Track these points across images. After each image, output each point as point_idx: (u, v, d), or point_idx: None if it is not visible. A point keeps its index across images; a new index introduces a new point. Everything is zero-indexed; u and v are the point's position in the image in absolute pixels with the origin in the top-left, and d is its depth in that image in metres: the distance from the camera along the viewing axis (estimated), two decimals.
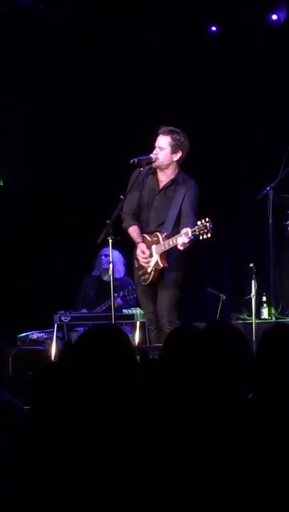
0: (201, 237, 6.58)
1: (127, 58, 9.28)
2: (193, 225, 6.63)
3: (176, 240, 6.68)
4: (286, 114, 8.81)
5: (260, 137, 9.03)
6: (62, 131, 9.42)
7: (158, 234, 6.90)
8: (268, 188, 7.90)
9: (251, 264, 7.43)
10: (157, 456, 2.26)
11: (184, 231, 6.64)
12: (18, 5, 8.99)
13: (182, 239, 6.60)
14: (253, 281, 7.33)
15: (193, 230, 6.57)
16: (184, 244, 6.61)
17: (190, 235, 6.57)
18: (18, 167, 9.44)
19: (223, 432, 2.26)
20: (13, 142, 9.39)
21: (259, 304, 7.94)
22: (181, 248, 6.65)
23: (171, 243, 6.74)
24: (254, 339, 6.86)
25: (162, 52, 9.24)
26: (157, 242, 6.90)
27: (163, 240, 6.85)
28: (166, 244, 6.80)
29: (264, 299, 8.16)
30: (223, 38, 9.19)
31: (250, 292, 7.31)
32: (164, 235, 6.86)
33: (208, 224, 6.52)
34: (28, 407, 2.73)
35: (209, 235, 6.54)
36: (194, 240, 6.60)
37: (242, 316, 8.04)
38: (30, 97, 9.40)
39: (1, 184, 9.53)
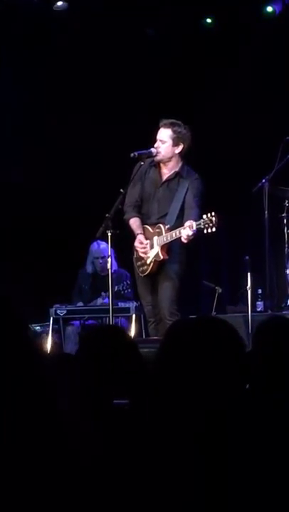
0: (205, 231, 6.56)
1: (125, 53, 9.27)
2: (197, 217, 6.61)
3: (179, 233, 6.65)
4: (281, 105, 8.80)
5: (256, 129, 9.02)
6: (61, 126, 9.41)
7: (161, 225, 6.87)
8: (264, 181, 7.88)
9: (247, 257, 7.43)
10: (159, 452, 2.26)
11: (187, 223, 6.61)
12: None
13: (186, 231, 6.58)
14: (248, 274, 7.33)
15: (198, 223, 6.55)
16: (188, 236, 6.59)
17: (194, 228, 6.55)
18: (17, 161, 9.42)
19: (225, 425, 2.25)
20: (12, 138, 9.39)
21: (255, 297, 7.94)
22: (185, 241, 6.63)
23: (174, 235, 6.71)
24: (250, 331, 6.86)
25: (161, 46, 9.23)
26: (159, 234, 6.86)
27: (166, 232, 6.82)
28: (168, 236, 6.77)
29: (259, 291, 8.16)
30: (219, 30, 9.19)
31: (246, 285, 7.31)
32: (166, 226, 6.83)
33: (213, 218, 6.50)
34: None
35: (214, 229, 6.52)
36: (198, 234, 6.58)
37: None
38: (28, 94, 9.38)
39: None
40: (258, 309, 8.04)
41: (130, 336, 2.89)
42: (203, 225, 6.54)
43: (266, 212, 7.91)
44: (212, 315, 7.40)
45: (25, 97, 9.41)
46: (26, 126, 9.47)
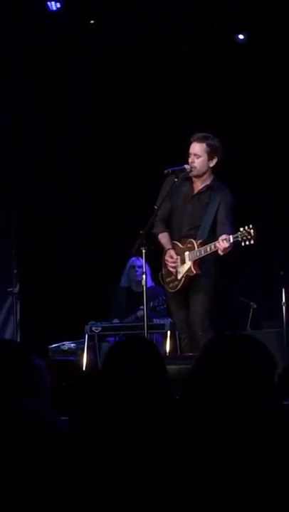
0: (243, 244, 6.51)
1: (151, 65, 9.31)
2: (230, 233, 6.57)
3: (214, 247, 6.60)
4: None
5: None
6: (97, 141, 9.47)
7: (192, 240, 6.83)
8: None
9: (282, 272, 7.40)
10: (194, 468, 2.26)
11: (223, 237, 6.56)
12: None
13: (223, 244, 6.52)
14: (283, 289, 7.30)
15: (235, 235, 6.50)
16: (224, 249, 6.54)
17: (231, 240, 6.51)
18: (48, 177, 9.48)
19: (269, 443, 2.25)
20: (44, 151, 9.47)
21: None
22: (221, 253, 6.57)
23: (208, 249, 6.67)
24: (285, 347, 6.83)
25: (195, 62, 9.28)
26: (191, 249, 6.83)
27: (198, 247, 6.80)
28: (202, 251, 6.73)
29: None
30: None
31: (281, 300, 7.28)
32: (198, 241, 6.81)
33: (251, 231, 6.46)
34: (65, 418, 2.74)
35: (253, 242, 6.46)
36: (235, 247, 6.55)
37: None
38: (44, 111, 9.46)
39: None
40: None
41: (156, 348, 2.86)
42: (241, 238, 6.49)
43: None
44: (243, 332, 7.36)
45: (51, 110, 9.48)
46: (57, 141, 9.53)
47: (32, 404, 2.66)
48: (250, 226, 6.47)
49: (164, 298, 7.85)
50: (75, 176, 9.52)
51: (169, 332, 7.84)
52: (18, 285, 9.04)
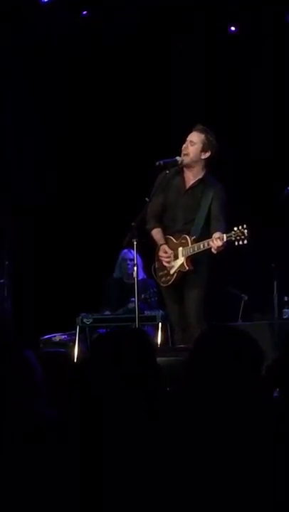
0: (236, 243, 6.53)
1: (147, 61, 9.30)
2: (224, 229, 6.59)
3: (207, 244, 6.61)
4: None
5: (282, 135, 9.01)
6: (89, 134, 9.46)
7: (186, 236, 6.84)
8: None
9: (273, 264, 7.41)
10: (189, 461, 2.27)
11: (216, 235, 6.58)
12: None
13: (217, 243, 6.53)
14: (274, 282, 7.31)
15: (228, 235, 6.52)
16: (218, 248, 6.56)
17: (225, 239, 6.53)
18: (41, 173, 9.47)
19: (263, 436, 2.26)
20: (31, 149, 9.45)
21: (281, 304, 7.91)
22: (215, 252, 6.59)
23: (202, 246, 6.68)
24: (277, 339, 6.84)
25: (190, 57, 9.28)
26: (184, 245, 6.84)
27: (192, 243, 6.82)
28: (195, 247, 6.74)
29: (285, 298, 8.13)
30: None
31: (272, 292, 7.29)
32: (192, 237, 6.82)
33: (245, 231, 6.47)
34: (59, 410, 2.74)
35: (246, 242, 6.48)
36: (228, 245, 6.56)
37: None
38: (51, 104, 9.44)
39: None
40: (285, 316, 8.01)
41: (148, 339, 2.85)
42: (235, 238, 6.51)
43: None
44: (234, 324, 7.37)
45: (47, 107, 9.46)
46: (50, 137, 9.52)
47: (25, 400, 2.66)
48: (244, 226, 6.48)
49: (155, 290, 7.86)
50: (67, 167, 9.51)
51: (160, 324, 7.85)
52: (5, 276, 9.03)
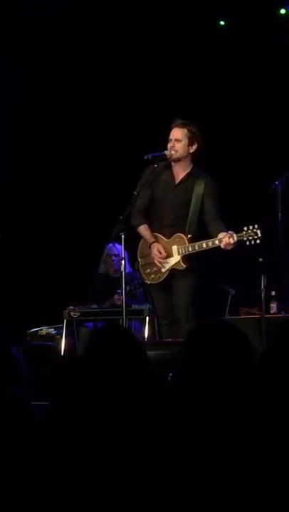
0: (248, 243, 6.53)
1: (129, 54, 9.29)
2: (224, 227, 6.60)
3: (212, 243, 6.61)
4: None
5: (271, 130, 9.01)
6: (76, 127, 9.44)
7: (182, 235, 6.84)
8: (277, 183, 7.87)
9: (261, 259, 7.41)
10: (176, 454, 2.27)
11: (222, 235, 6.57)
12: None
13: (229, 240, 6.53)
14: (262, 276, 7.31)
15: (239, 235, 6.52)
16: (229, 244, 6.55)
17: (235, 239, 6.52)
18: (25, 163, 9.46)
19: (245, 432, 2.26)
20: (14, 140, 9.43)
21: (268, 299, 7.92)
22: (223, 247, 6.57)
23: (204, 246, 6.68)
24: (264, 334, 6.85)
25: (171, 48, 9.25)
26: (180, 243, 6.83)
27: (188, 242, 6.80)
28: (196, 247, 6.73)
29: (273, 293, 8.14)
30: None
31: (260, 287, 7.29)
32: (188, 236, 6.82)
33: (258, 231, 6.49)
34: (47, 403, 2.75)
35: (258, 242, 6.50)
36: (239, 245, 6.56)
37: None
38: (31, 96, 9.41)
39: None
40: (272, 311, 8.02)
41: (134, 337, 2.86)
42: (246, 237, 6.52)
43: (279, 214, 7.90)
44: (223, 318, 7.38)
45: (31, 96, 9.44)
46: (34, 128, 9.50)
47: (20, 393, 2.67)
48: (255, 226, 6.50)
49: (139, 281, 7.85)
50: (54, 161, 9.49)
51: (147, 318, 7.85)
52: None
